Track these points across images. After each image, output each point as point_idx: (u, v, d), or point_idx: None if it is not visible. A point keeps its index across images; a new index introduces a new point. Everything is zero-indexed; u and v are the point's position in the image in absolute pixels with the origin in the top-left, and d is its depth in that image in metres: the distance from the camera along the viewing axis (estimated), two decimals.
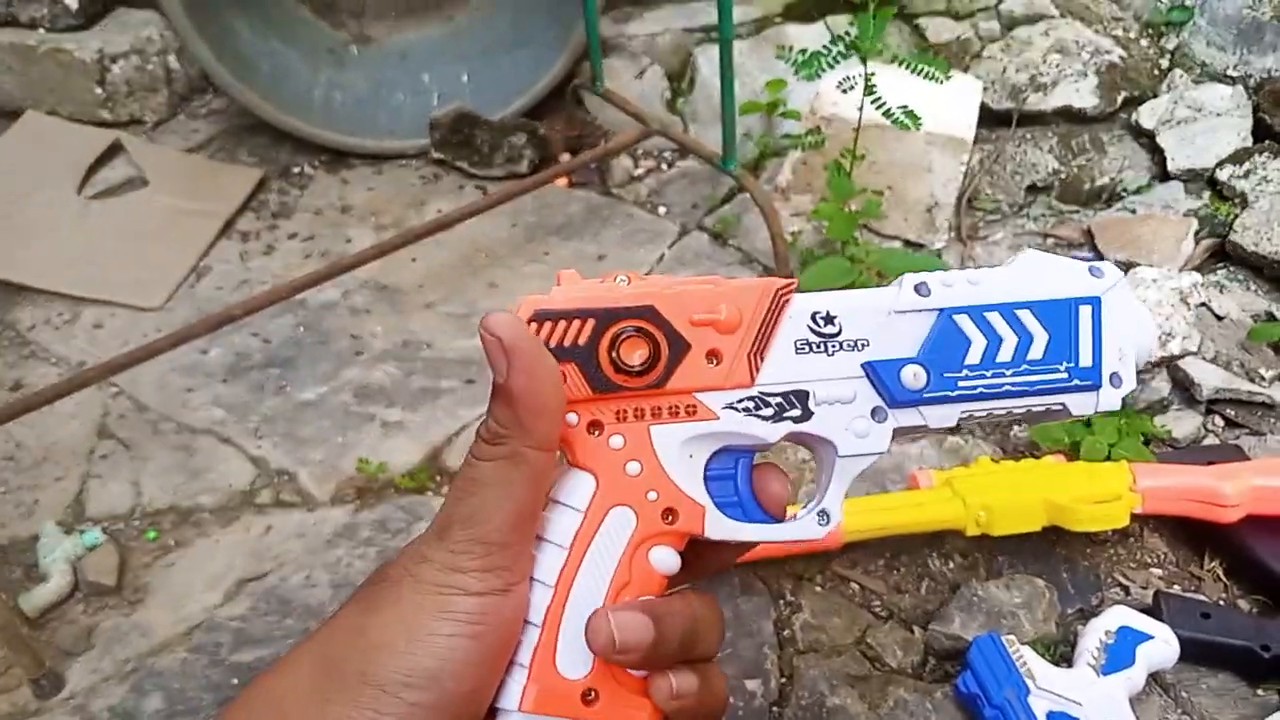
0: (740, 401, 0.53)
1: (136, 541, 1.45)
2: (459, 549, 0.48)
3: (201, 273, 1.91)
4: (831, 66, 1.52)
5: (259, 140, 2.19)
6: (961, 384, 0.54)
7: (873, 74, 1.54)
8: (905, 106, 1.53)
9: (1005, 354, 0.54)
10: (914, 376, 0.54)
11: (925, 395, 0.54)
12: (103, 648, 1.32)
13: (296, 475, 1.52)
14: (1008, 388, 0.54)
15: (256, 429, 1.59)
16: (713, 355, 0.52)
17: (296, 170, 2.13)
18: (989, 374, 0.54)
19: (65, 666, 1.30)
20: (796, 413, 0.54)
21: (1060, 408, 0.55)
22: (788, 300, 0.53)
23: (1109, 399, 0.55)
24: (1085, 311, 0.55)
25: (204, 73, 2.13)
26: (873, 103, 1.55)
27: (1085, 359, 0.55)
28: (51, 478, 1.55)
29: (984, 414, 0.55)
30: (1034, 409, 0.55)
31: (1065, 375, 0.55)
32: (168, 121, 2.28)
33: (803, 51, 1.54)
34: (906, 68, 1.53)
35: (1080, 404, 0.55)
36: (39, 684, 1.26)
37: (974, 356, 0.54)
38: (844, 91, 1.56)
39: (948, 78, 1.54)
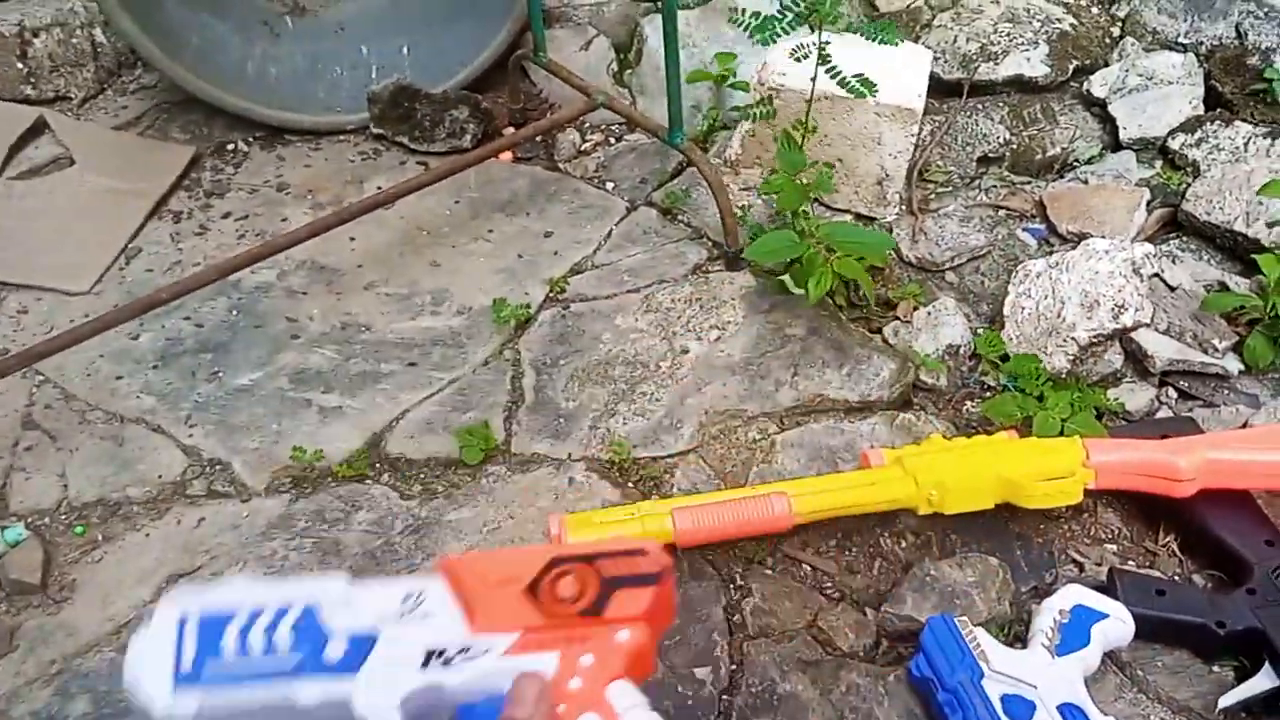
0: None
1: (63, 537, 1.39)
2: None
3: (131, 255, 1.83)
4: (786, 32, 1.47)
5: (191, 116, 2.11)
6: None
7: (827, 42, 1.50)
8: (860, 75, 1.49)
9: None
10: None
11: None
12: (26, 649, 1.26)
13: (230, 464, 1.46)
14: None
15: (188, 417, 1.53)
16: None
17: (231, 147, 2.05)
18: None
19: None
20: None
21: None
22: None
23: None
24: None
25: (131, 46, 2.04)
26: (827, 71, 1.50)
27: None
28: None
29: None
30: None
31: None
32: (95, 98, 2.19)
33: (755, 14, 1.49)
34: (862, 35, 1.49)
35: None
36: None
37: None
38: (798, 60, 1.52)
39: (900, 42, 1.51)
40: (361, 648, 0.55)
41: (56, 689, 1.21)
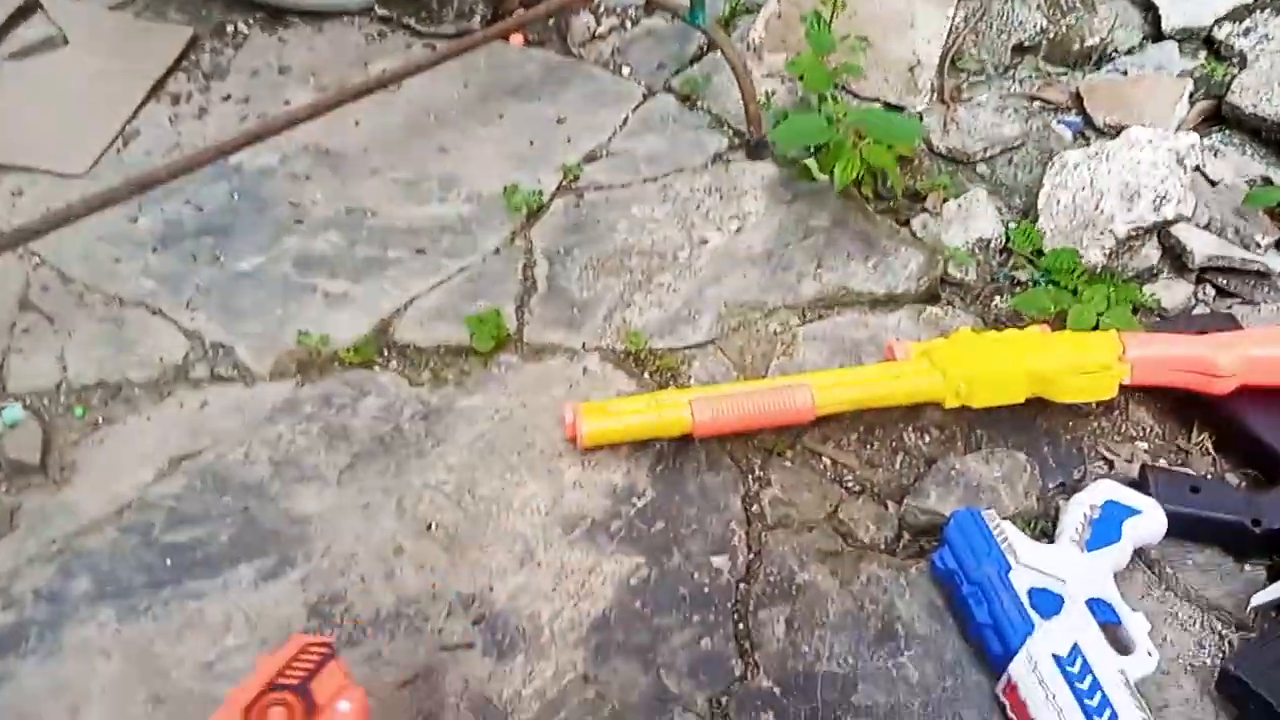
0: None
1: (62, 418, 1.35)
2: None
3: (129, 137, 1.76)
4: None
5: None
6: None
7: None
8: None
9: None
10: None
11: None
12: (26, 528, 1.24)
13: (233, 349, 1.42)
14: None
15: (189, 301, 1.48)
16: None
17: (230, 29, 1.96)
18: None
19: None
20: None
21: None
22: None
23: None
24: None
25: None
26: None
27: None
28: None
29: None
30: None
31: None
32: None
33: None
34: None
35: None
36: None
37: None
38: None
39: None
40: None
41: (59, 567, 1.19)
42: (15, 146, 1.74)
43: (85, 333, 1.45)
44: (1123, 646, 1.02)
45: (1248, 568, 1.14)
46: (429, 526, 1.20)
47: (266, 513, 1.22)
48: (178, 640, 1.12)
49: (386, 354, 1.40)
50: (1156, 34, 1.79)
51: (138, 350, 1.42)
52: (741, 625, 1.10)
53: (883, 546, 1.18)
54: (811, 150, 1.54)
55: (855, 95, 1.70)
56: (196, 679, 1.08)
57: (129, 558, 1.19)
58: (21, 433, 1.32)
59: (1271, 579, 1.12)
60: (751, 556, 1.16)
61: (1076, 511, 1.11)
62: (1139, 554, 1.14)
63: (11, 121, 1.77)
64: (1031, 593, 1.04)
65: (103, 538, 1.22)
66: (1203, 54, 1.75)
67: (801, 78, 1.59)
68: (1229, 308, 1.39)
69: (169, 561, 1.18)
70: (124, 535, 1.22)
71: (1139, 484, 1.17)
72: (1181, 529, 1.13)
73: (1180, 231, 1.42)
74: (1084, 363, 1.20)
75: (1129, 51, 1.79)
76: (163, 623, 1.14)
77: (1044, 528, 1.18)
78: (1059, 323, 1.33)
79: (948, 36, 1.69)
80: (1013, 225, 1.50)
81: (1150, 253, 1.42)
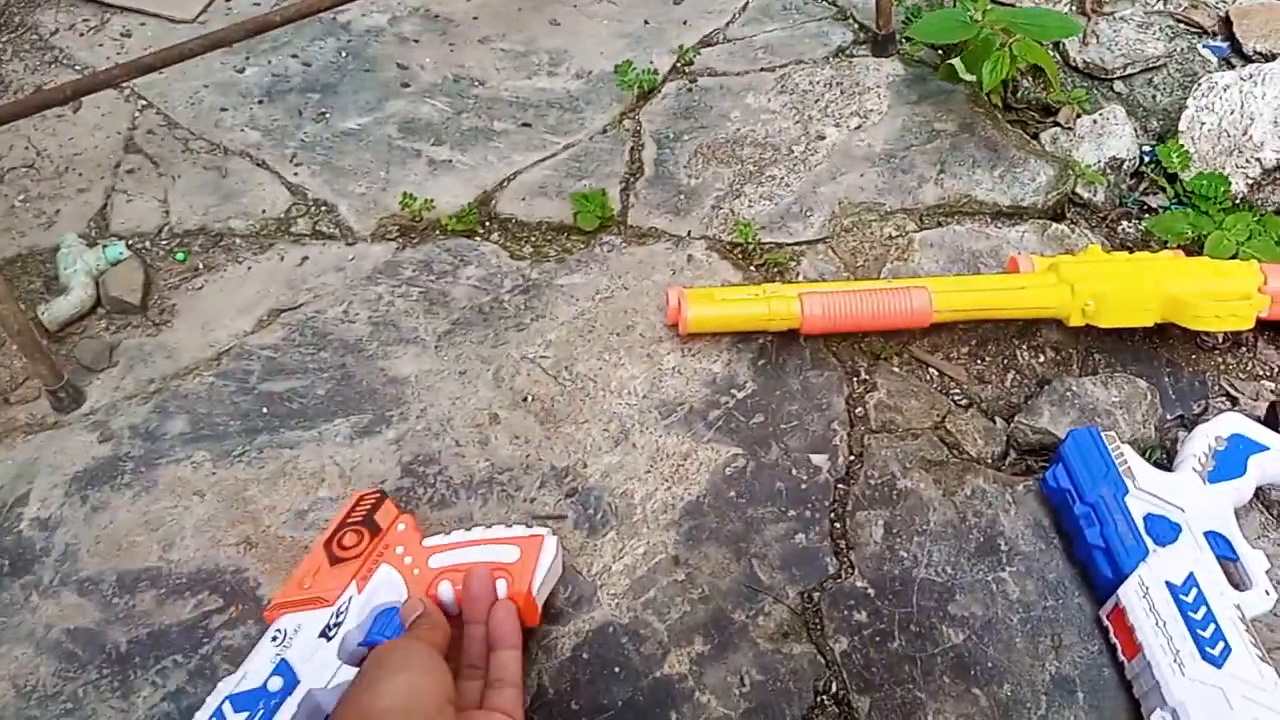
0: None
1: (164, 261, 1.35)
2: None
3: None
4: None
5: None
6: None
7: None
8: None
9: None
10: None
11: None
12: (125, 366, 1.24)
13: (336, 207, 1.40)
14: None
15: (294, 155, 1.46)
16: None
17: None
18: None
19: (85, 382, 1.22)
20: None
21: None
22: None
23: None
24: None
25: None
26: None
27: None
28: (74, 189, 1.44)
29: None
30: None
31: None
32: None
33: None
34: None
35: None
36: (57, 396, 1.19)
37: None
38: None
39: None
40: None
41: (155, 406, 1.19)
42: None
43: (189, 179, 1.44)
44: (1238, 583, 0.98)
45: None
46: (525, 399, 1.18)
47: (364, 371, 1.21)
48: (272, 487, 1.12)
49: (488, 225, 1.38)
50: None
51: (240, 200, 1.41)
52: (838, 525, 1.08)
53: (989, 461, 1.14)
54: (940, 52, 1.46)
55: None
56: (288, 526, 1.09)
57: (225, 403, 1.19)
58: (123, 270, 1.32)
59: None
60: (852, 458, 1.13)
61: (1201, 441, 1.07)
62: (1258, 494, 1.09)
63: None
64: (1147, 519, 1.00)
65: (200, 381, 1.22)
66: None
67: None
68: None
69: (265, 410, 1.18)
70: (221, 381, 1.22)
71: (1268, 422, 1.11)
72: None
73: None
74: (1223, 290, 1.14)
75: None
76: (257, 469, 1.14)
77: (1159, 459, 1.13)
78: (1194, 250, 1.26)
79: None
80: (1147, 148, 1.42)
81: None
